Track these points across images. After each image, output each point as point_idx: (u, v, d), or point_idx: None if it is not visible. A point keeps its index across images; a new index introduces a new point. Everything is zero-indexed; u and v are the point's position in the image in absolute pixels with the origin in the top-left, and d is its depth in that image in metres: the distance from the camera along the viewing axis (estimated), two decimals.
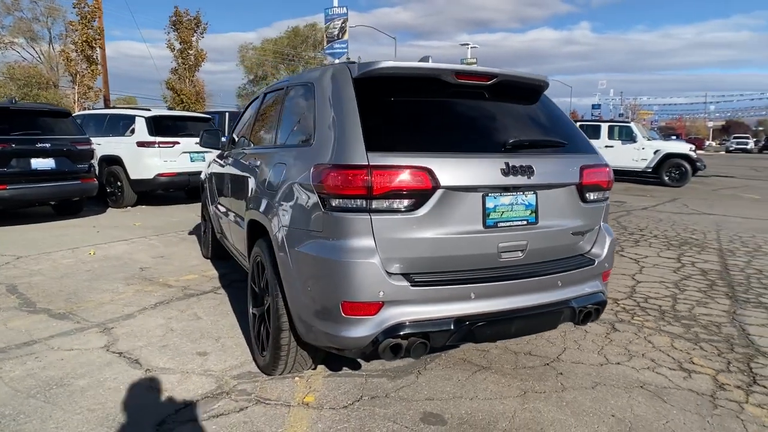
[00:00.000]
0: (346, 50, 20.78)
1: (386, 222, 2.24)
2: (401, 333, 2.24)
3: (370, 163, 2.20)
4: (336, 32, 20.54)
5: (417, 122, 2.52)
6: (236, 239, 3.87)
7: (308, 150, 2.53)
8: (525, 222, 2.51)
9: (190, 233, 7.16)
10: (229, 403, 2.65)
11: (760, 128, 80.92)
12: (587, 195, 2.72)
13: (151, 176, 8.94)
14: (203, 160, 9.52)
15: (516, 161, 2.44)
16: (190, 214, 8.85)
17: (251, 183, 3.23)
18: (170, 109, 10.07)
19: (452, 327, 2.30)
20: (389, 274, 2.24)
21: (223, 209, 4.41)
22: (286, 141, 3.01)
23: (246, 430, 2.41)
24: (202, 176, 5.86)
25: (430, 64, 2.53)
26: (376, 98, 2.47)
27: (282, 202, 2.62)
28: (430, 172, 2.26)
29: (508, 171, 2.40)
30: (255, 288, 3.14)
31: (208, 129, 4.76)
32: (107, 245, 6.30)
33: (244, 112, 4.63)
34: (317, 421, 2.50)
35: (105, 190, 9.33)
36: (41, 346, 3.31)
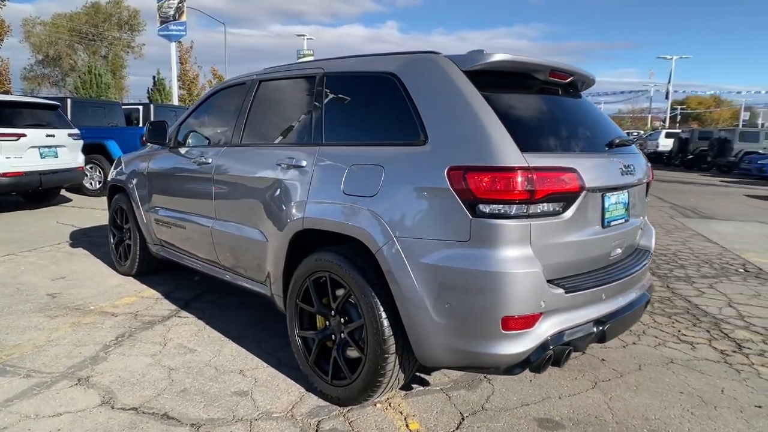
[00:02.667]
0: (184, 32, 18.78)
1: (541, 227, 2.11)
2: (556, 343, 2.15)
3: (530, 165, 2.05)
4: (171, 12, 18.44)
5: (537, 120, 2.42)
6: (237, 254, 3.27)
7: (423, 150, 2.25)
8: (623, 220, 2.59)
9: (74, 245, 5.86)
10: None
11: None
12: (648, 191, 2.92)
13: None
14: (56, 156, 7.93)
15: (625, 160, 2.50)
16: (47, 222, 7.26)
17: (293, 187, 2.75)
18: None
19: (594, 330, 2.28)
20: (547, 282, 2.12)
21: (190, 218, 3.69)
22: (351, 138, 2.63)
23: None
24: (111, 177, 4.84)
25: (539, 60, 2.44)
26: (492, 93, 2.29)
27: (389, 209, 2.28)
28: (577, 173, 2.19)
29: (623, 171, 2.45)
30: (308, 309, 2.70)
31: (155, 121, 3.90)
32: None
33: (203, 103, 3.92)
34: None
35: None
36: (7, 418, 2.41)
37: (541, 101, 2.56)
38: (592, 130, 2.66)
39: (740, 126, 40.51)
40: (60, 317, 3.69)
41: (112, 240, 4.88)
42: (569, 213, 2.19)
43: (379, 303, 2.32)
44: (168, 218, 3.96)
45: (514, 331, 2.08)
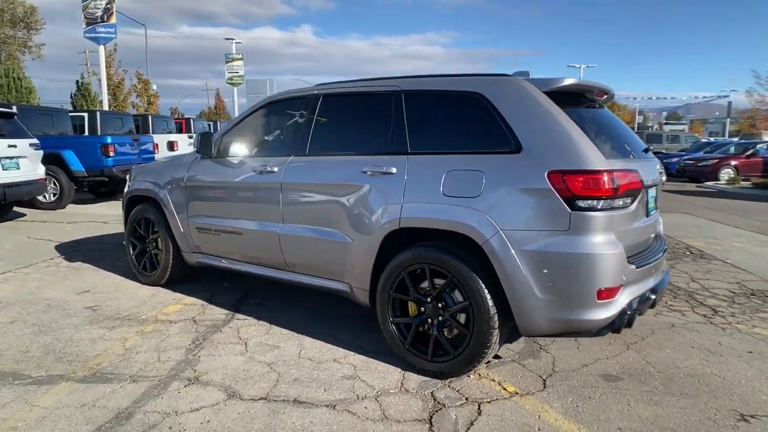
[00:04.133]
0: (113, 35, 17.82)
1: (619, 217, 2.66)
2: (632, 308, 2.71)
3: (613, 168, 2.59)
4: (99, 13, 17.49)
5: (598, 130, 2.96)
6: (311, 255, 3.54)
7: (519, 157, 2.72)
8: (654, 211, 3.23)
9: (71, 260, 5.71)
10: (459, 411, 2.66)
11: None
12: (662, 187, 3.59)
13: None
14: (18, 167, 7.57)
15: (656, 162, 3.13)
16: (17, 237, 6.93)
17: (384, 191, 3.09)
18: None
19: (651, 297, 2.87)
20: (626, 260, 2.68)
21: (248, 224, 3.88)
22: (439, 147, 3.04)
23: (510, 426, 2.53)
24: (131, 188, 4.86)
25: (593, 82, 3.01)
26: (565, 109, 2.82)
27: (492, 207, 2.72)
28: (638, 173, 2.77)
29: (658, 171, 3.08)
30: (403, 298, 3.08)
31: (204, 133, 4.06)
32: None
33: (247, 118, 4.11)
34: (549, 402, 2.76)
35: None
36: (150, 416, 2.58)
37: (592, 114, 3.13)
38: (628, 138, 3.28)
39: (635, 128, 44.87)
40: (118, 328, 3.75)
41: (132, 251, 4.89)
42: (634, 205, 2.77)
43: (484, 287, 2.76)
44: (217, 226, 4.12)
45: (605, 300, 2.61)
